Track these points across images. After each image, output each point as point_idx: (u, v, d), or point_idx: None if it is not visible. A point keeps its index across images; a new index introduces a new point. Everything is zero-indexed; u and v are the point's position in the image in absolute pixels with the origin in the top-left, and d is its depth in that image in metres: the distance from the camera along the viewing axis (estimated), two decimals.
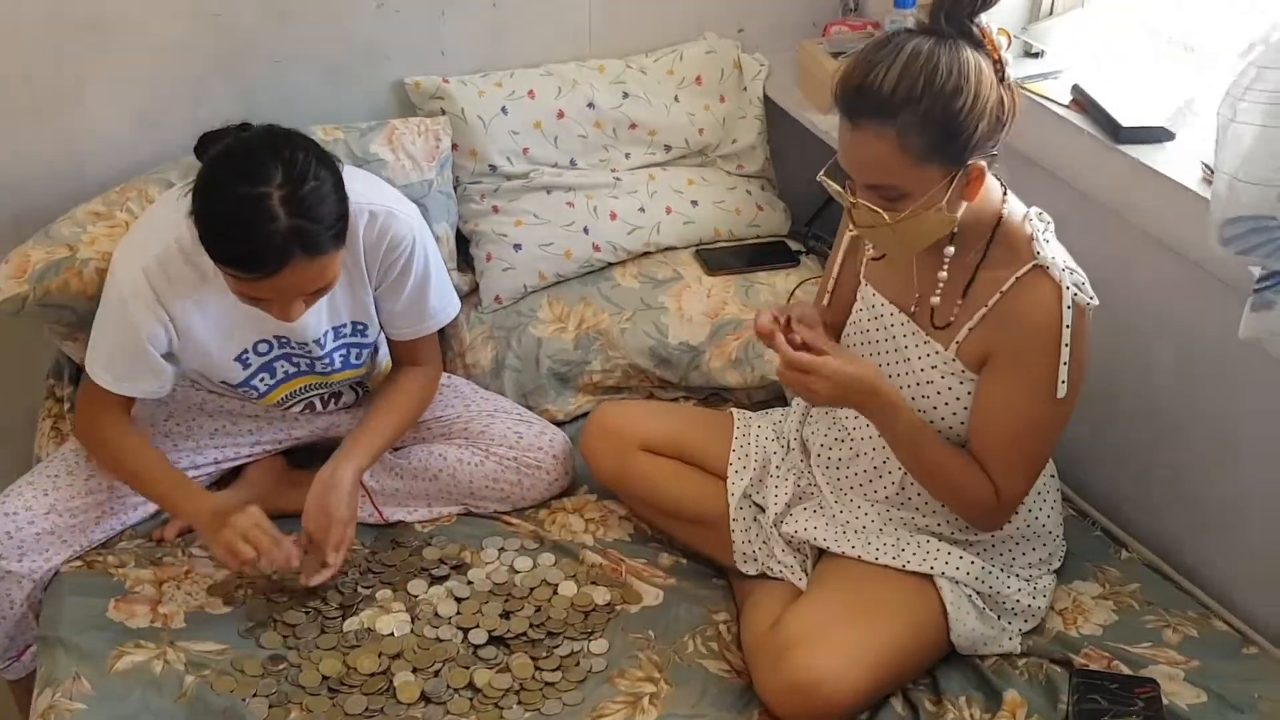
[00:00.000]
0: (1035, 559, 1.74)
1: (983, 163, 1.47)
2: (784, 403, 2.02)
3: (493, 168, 2.25)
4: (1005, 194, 1.58)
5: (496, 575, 1.84)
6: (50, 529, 1.80)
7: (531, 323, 2.20)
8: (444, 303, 1.91)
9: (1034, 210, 1.59)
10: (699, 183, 2.37)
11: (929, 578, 1.65)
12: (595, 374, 2.18)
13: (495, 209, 2.25)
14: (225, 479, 1.98)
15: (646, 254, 2.31)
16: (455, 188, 2.26)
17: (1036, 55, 2.11)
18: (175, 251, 1.67)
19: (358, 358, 1.90)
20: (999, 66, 1.44)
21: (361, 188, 1.72)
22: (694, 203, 2.33)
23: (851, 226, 1.57)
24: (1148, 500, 1.97)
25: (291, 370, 1.85)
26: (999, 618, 1.69)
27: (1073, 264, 1.56)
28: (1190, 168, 1.73)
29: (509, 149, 2.25)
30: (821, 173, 1.54)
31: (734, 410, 1.94)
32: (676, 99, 2.36)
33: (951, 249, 1.55)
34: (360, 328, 1.86)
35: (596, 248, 2.26)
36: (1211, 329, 1.77)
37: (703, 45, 2.41)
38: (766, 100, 2.39)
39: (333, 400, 1.97)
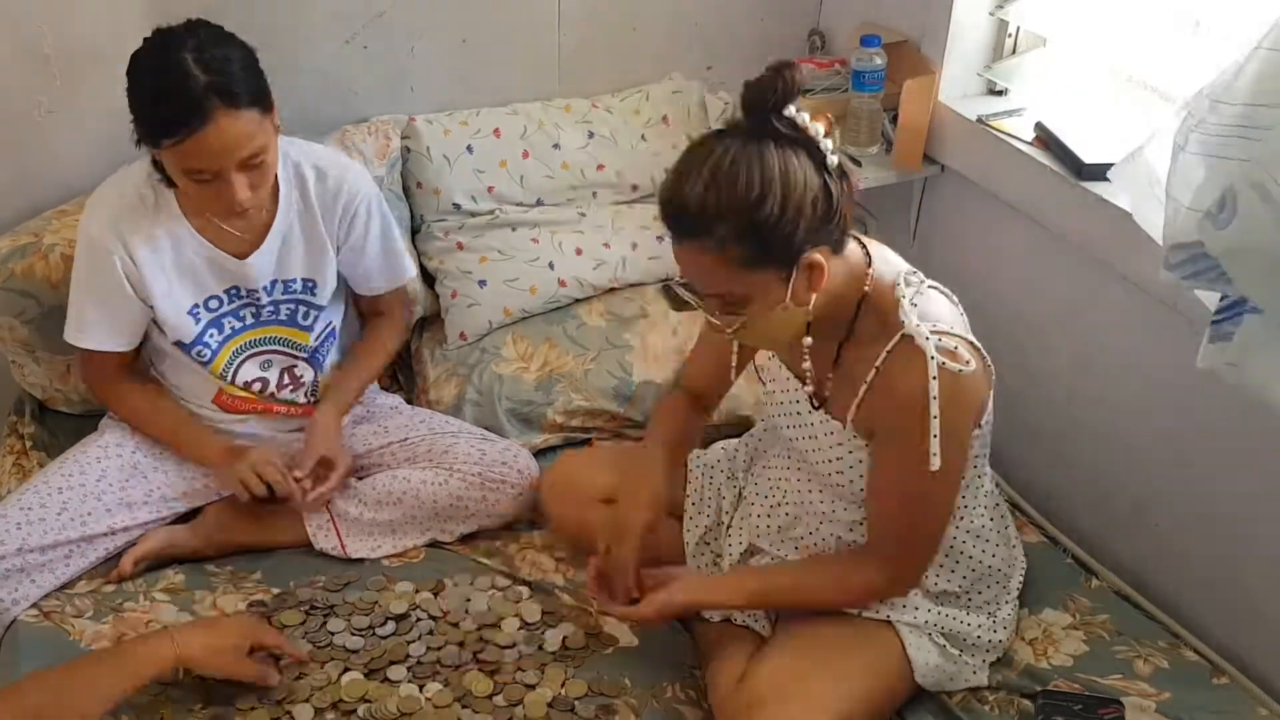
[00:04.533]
0: (990, 595, 1.72)
1: (817, 256, 1.42)
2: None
3: (456, 206, 2.24)
4: (871, 263, 1.53)
5: (469, 621, 1.81)
6: (20, 567, 1.76)
7: (495, 360, 2.19)
8: (407, 261, 2.09)
9: (905, 271, 1.54)
10: None
11: (888, 622, 1.64)
12: (557, 416, 2.15)
13: (460, 245, 2.24)
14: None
15: (613, 290, 2.31)
16: (420, 226, 2.26)
17: (1000, 93, 2.15)
18: (135, 200, 1.80)
19: (305, 318, 1.96)
20: (819, 155, 1.40)
21: (311, 151, 1.91)
22: (660, 238, 2.34)
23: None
24: (1111, 529, 1.99)
25: (238, 325, 1.92)
26: (961, 653, 1.67)
27: (950, 325, 1.50)
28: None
29: (473, 188, 2.25)
30: (675, 280, 1.51)
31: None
32: (643, 139, 2.37)
33: (809, 339, 1.53)
34: (310, 285, 1.93)
35: (563, 283, 2.26)
36: (1171, 360, 1.80)
37: (669, 85, 2.43)
38: None
39: (285, 375, 1.98)
